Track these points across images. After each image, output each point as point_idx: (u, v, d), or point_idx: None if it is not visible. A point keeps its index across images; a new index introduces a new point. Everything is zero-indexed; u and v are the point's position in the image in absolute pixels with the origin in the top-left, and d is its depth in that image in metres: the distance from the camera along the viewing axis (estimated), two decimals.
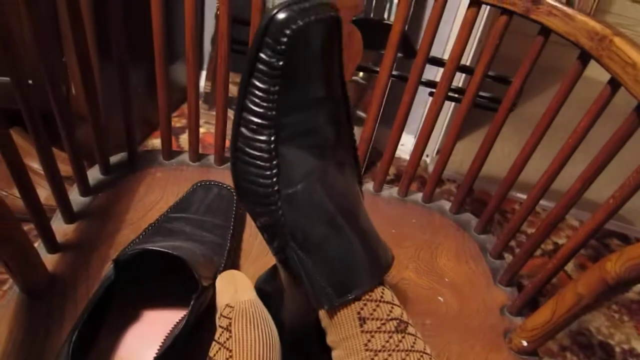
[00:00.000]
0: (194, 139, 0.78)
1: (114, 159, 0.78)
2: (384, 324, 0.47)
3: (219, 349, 0.48)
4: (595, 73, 0.89)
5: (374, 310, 0.47)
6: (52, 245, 0.64)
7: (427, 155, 1.79)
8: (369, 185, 0.84)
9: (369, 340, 0.46)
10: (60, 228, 0.67)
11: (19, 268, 0.57)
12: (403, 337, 0.47)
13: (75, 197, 0.71)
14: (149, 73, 0.82)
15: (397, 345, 0.46)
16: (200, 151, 0.82)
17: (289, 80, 0.43)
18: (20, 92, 0.56)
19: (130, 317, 0.56)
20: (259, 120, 0.44)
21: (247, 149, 0.45)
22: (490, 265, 0.75)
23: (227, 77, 0.74)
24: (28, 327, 0.57)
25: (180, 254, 0.54)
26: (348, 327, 0.47)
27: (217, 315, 0.52)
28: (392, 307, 0.48)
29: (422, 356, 0.46)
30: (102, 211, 0.70)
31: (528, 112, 2.01)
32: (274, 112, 0.43)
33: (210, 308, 0.56)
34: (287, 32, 0.40)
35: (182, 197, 0.71)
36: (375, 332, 0.46)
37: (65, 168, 0.83)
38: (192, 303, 0.52)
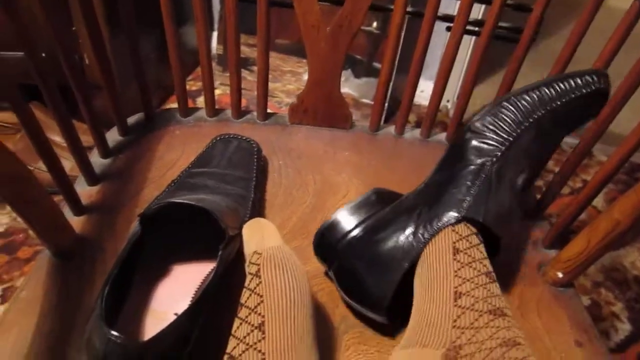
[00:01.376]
0: (209, 94, 0.77)
1: (131, 119, 0.78)
2: (474, 261, 0.50)
3: (250, 295, 0.48)
4: (618, 2, 0.85)
5: (469, 248, 0.51)
6: (78, 207, 0.64)
7: (448, 101, 1.76)
8: (390, 129, 0.82)
9: (459, 269, 0.50)
10: (84, 191, 0.67)
11: (48, 231, 0.57)
12: (490, 282, 0.49)
13: (96, 160, 0.71)
14: (160, 38, 0.80)
15: (484, 285, 0.49)
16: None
17: None
18: (35, 66, 0.56)
19: (159, 271, 0.57)
20: None
21: None
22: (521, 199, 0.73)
23: (237, 26, 0.72)
24: (62, 288, 0.57)
25: (204, 205, 0.53)
26: (443, 253, 0.51)
27: (246, 263, 0.52)
28: (484, 258, 0.51)
29: (504, 311, 0.47)
30: (124, 171, 0.70)
31: (548, 49, 1.94)
32: None
33: (238, 258, 0.56)
34: None
35: (202, 152, 0.70)
36: (466, 265, 0.50)
37: (85, 138, 0.82)
38: (219, 253, 0.52)
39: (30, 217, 0.54)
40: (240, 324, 0.47)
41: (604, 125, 0.62)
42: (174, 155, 0.73)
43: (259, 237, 0.52)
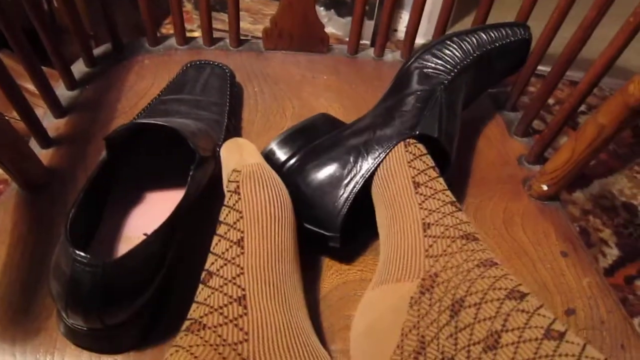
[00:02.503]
0: (179, 20, 0.73)
1: (97, 50, 0.74)
2: (436, 192, 0.49)
3: (229, 211, 0.46)
4: None
5: (429, 181, 0.50)
6: (45, 139, 0.61)
7: None
8: (369, 51, 0.79)
9: (423, 201, 0.48)
10: (51, 123, 0.64)
11: (13, 163, 0.55)
12: (456, 210, 0.48)
13: (63, 92, 0.68)
14: None
15: (451, 214, 0.47)
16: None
17: None
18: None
19: (133, 198, 0.55)
20: None
21: None
22: (504, 118, 0.71)
23: None
24: (32, 219, 0.55)
25: (172, 125, 0.51)
26: (402, 183, 0.50)
27: (225, 183, 0.50)
28: (445, 189, 0.50)
29: (475, 236, 0.46)
30: (92, 103, 0.67)
31: None
32: None
33: (214, 182, 0.54)
34: None
35: (173, 79, 0.67)
36: (429, 197, 0.48)
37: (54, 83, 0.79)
38: (191, 174, 0.50)
39: None
40: (219, 240, 0.45)
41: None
42: (145, 84, 0.70)
43: (237, 155, 0.50)
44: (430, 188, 0.49)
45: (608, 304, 0.53)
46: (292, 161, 0.54)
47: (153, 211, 0.53)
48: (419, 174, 0.50)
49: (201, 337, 0.39)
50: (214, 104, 0.64)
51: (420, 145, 0.53)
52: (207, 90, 0.66)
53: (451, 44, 0.60)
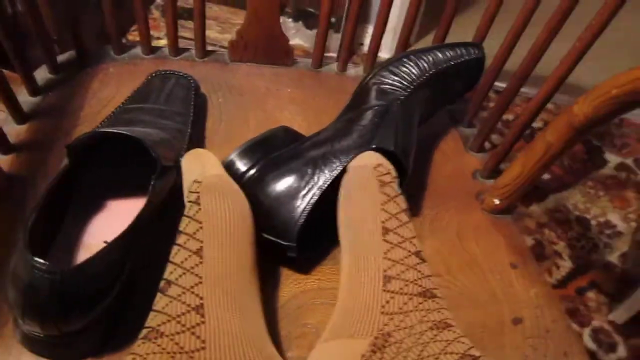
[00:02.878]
0: (144, 29, 0.74)
1: (61, 57, 0.74)
2: (404, 240, 0.49)
3: (189, 222, 0.47)
4: None
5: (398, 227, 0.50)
6: (5, 145, 0.61)
7: None
8: (333, 66, 0.81)
9: (388, 250, 0.48)
10: (13, 129, 0.64)
11: None
12: (419, 262, 0.47)
13: (25, 99, 0.68)
14: None
15: (414, 266, 0.47)
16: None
17: None
18: None
19: (93, 206, 0.55)
20: None
21: None
22: (460, 133, 0.74)
23: None
24: None
25: (134, 134, 0.51)
26: (371, 230, 0.49)
27: (185, 193, 0.51)
28: (412, 236, 0.50)
29: (433, 292, 0.46)
30: (55, 110, 0.67)
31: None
32: None
33: (176, 191, 0.55)
34: None
35: (138, 88, 0.68)
36: (396, 245, 0.48)
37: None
38: (152, 183, 0.50)
39: None
40: (179, 250, 0.46)
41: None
42: (109, 92, 0.70)
43: (199, 166, 0.51)
44: (399, 235, 0.49)
45: (554, 313, 0.56)
46: (252, 172, 0.55)
47: (114, 219, 0.53)
48: (390, 218, 0.50)
49: (158, 345, 0.40)
50: (178, 113, 0.65)
51: (389, 168, 0.54)
52: (172, 100, 0.66)
53: (408, 61, 0.63)
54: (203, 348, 0.40)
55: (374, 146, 0.55)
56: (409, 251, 0.47)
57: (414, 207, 0.63)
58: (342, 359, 0.43)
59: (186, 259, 0.45)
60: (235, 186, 0.51)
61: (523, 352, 0.52)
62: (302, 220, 0.52)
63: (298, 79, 0.78)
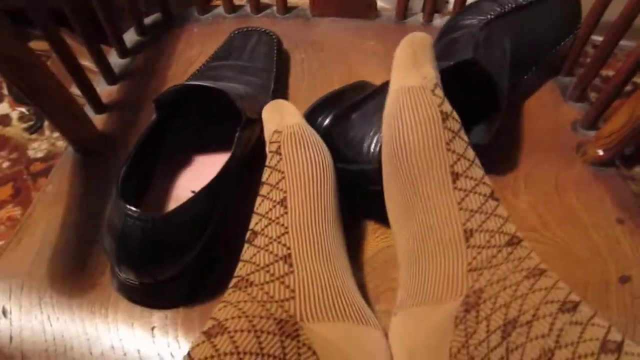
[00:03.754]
0: None
1: (148, 20, 0.75)
2: (477, 184, 0.42)
3: (271, 172, 0.47)
4: None
5: (468, 168, 0.43)
6: (99, 105, 0.63)
7: None
8: (418, 17, 0.78)
9: (462, 199, 0.42)
10: (104, 90, 0.66)
11: (68, 126, 0.57)
12: (497, 205, 0.42)
13: (115, 60, 0.70)
14: None
15: (493, 212, 0.41)
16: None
17: None
18: None
19: (181, 159, 0.56)
20: None
21: None
22: (558, 83, 0.68)
23: None
24: (87, 182, 0.57)
25: (219, 87, 0.51)
26: (439, 179, 0.42)
27: (267, 145, 0.50)
28: (483, 174, 0.44)
29: (518, 236, 0.41)
30: (144, 70, 0.69)
31: None
32: None
33: (261, 145, 0.55)
34: None
35: (221, 45, 0.68)
36: (470, 192, 0.42)
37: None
38: (237, 135, 0.50)
39: (49, 109, 0.54)
40: (262, 200, 0.46)
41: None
42: (194, 52, 0.71)
43: (278, 116, 0.50)
44: (471, 179, 0.42)
45: None
46: (328, 120, 0.54)
47: (201, 172, 0.54)
48: (459, 159, 0.42)
49: (248, 294, 0.40)
50: (262, 69, 0.64)
51: (443, 95, 0.45)
52: (255, 57, 0.66)
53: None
54: (292, 298, 0.40)
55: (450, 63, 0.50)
56: (485, 195, 0.42)
57: (508, 161, 0.59)
58: (434, 323, 0.40)
59: (271, 210, 0.44)
60: (316, 135, 0.50)
61: (633, 313, 0.48)
62: (379, 145, 0.49)
63: (382, 32, 0.75)
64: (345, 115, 0.54)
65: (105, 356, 0.47)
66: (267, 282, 0.40)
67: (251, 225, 0.45)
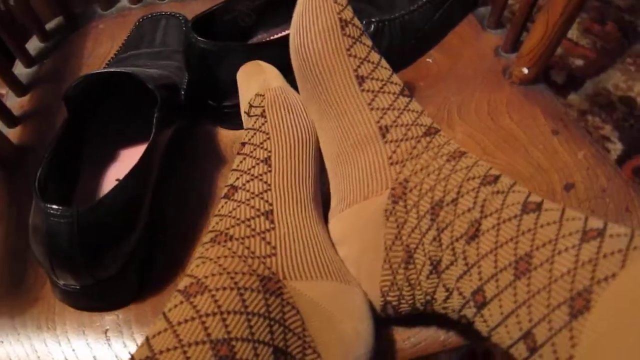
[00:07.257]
0: None
1: (50, 25, 0.72)
2: (384, 84, 0.43)
3: (255, 133, 0.45)
4: None
5: (373, 70, 0.44)
6: (9, 118, 0.60)
7: None
8: None
9: (372, 100, 0.43)
10: (15, 103, 0.63)
11: None
12: (409, 100, 0.43)
13: (21, 71, 0.66)
14: None
15: (406, 107, 0.42)
16: None
17: None
18: None
19: (106, 153, 0.53)
20: None
21: None
22: (475, 15, 0.68)
23: None
24: (10, 195, 0.54)
25: (127, 70, 0.49)
26: (343, 84, 0.43)
27: (244, 107, 0.49)
28: (391, 74, 0.44)
29: (435, 127, 0.42)
30: (54, 75, 0.65)
31: None
32: None
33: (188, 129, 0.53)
34: None
35: (129, 35, 0.65)
36: (378, 92, 0.43)
37: None
38: (155, 116, 0.48)
39: None
40: (244, 158, 0.44)
41: None
42: (104, 49, 0.68)
43: (261, 78, 0.48)
44: (378, 80, 0.43)
45: (607, 171, 0.51)
46: None
47: (127, 162, 0.51)
48: (362, 63, 0.43)
49: (229, 249, 0.38)
50: (175, 51, 0.62)
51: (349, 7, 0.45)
52: (166, 41, 0.64)
53: None
54: (274, 254, 0.38)
55: None
56: (394, 93, 0.43)
57: (438, 97, 0.59)
58: (365, 220, 0.41)
59: (254, 167, 0.43)
60: (298, 97, 0.48)
61: None
62: None
63: None
64: None
65: None
66: (248, 237, 0.39)
67: (230, 181, 0.44)
